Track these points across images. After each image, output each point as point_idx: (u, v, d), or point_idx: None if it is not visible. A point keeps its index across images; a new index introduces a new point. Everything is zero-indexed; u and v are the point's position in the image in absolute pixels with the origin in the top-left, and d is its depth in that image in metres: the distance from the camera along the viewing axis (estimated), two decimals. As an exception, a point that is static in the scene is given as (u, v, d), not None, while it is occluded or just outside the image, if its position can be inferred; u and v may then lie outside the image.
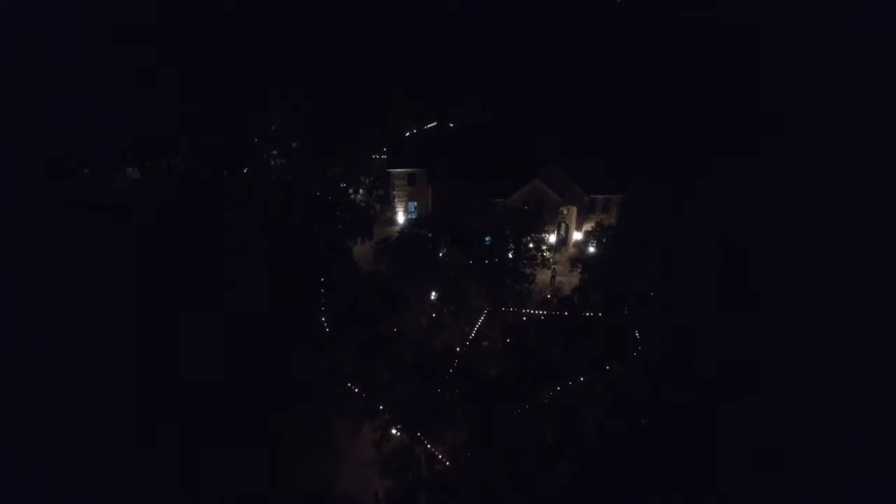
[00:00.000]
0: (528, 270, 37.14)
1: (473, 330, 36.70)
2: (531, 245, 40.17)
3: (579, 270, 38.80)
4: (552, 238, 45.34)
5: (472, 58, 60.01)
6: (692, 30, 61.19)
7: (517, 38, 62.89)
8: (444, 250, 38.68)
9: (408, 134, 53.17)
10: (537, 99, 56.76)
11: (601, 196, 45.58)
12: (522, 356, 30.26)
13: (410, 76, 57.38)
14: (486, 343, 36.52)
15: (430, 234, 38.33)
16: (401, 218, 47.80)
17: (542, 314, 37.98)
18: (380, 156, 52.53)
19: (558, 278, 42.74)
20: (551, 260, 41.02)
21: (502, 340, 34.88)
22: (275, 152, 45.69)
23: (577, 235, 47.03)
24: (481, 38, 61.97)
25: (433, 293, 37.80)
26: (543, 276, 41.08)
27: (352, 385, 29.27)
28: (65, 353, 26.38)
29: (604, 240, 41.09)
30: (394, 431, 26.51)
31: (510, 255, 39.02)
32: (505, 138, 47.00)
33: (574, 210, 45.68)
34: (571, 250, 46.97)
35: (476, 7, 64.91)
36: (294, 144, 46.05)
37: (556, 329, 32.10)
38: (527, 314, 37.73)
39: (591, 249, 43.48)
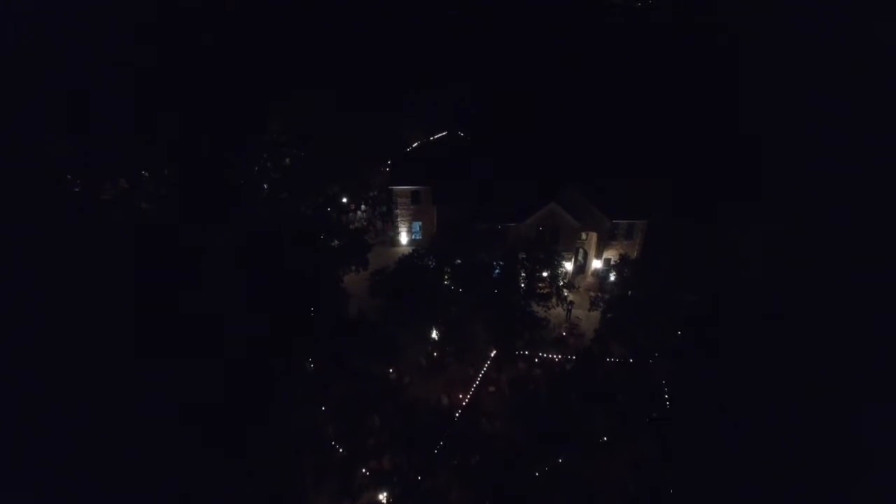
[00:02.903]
0: (541, 313, 33.13)
1: (478, 377, 32.96)
2: (545, 275, 36.26)
3: (600, 309, 34.85)
4: (569, 266, 41.12)
5: (481, 67, 55.89)
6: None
7: (527, 49, 58.53)
8: (448, 281, 34.99)
9: (415, 144, 49.27)
10: (556, 115, 52.30)
11: (624, 221, 41.15)
12: (531, 418, 26.54)
13: (414, 81, 53.51)
14: (492, 388, 32.91)
15: (432, 265, 34.54)
16: (404, 239, 43.96)
17: (557, 358, 34.17)
18: (384, 168, 48.73)
19: (575, 312, 38.69)
20: (567, 295, 36.87)
21: (509, 388, 31.26)
22: (269, 164, 41.95)
23: (596, 263, 42.79)
24: (487, 45, 57.73)
25: (434, 332, 34.21)
26: (559, 310, 37.12)
27: (336, 444, 25.78)
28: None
29: (625, 272, 36.97)
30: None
31: (522, 288, 35.14)
32: (519, 156, 42.72)
33: (594, 236, 41.39)
34: (589, 279, 42.84)
35: (478, 15, 60.62)
36: (287, 160, 42.16)
37: (571, 385, 28.10)
38: (539, 359, 33.96)
39: (612, 278, 39.49)
